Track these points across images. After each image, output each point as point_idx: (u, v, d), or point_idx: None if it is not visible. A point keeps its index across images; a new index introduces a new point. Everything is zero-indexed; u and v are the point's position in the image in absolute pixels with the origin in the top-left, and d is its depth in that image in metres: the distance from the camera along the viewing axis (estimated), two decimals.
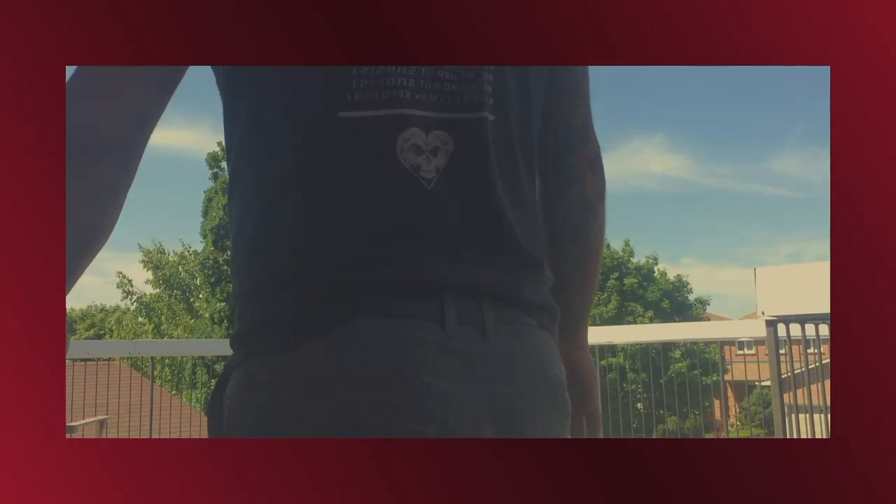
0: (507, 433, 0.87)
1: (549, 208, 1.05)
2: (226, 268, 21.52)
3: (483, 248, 0.84)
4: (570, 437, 1.05)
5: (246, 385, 0.83)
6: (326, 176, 0.82)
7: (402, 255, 0.80)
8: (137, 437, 7.85)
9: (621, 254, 26.44)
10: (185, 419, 11.32)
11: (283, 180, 0.84)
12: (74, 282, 0.88)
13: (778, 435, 3.26)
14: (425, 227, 0.81)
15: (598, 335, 8.45)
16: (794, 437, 3.31)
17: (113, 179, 0.84)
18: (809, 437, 3.17)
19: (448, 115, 0.86)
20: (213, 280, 21.37)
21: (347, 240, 0.80)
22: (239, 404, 0.85)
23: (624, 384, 22.50)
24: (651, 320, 23.57)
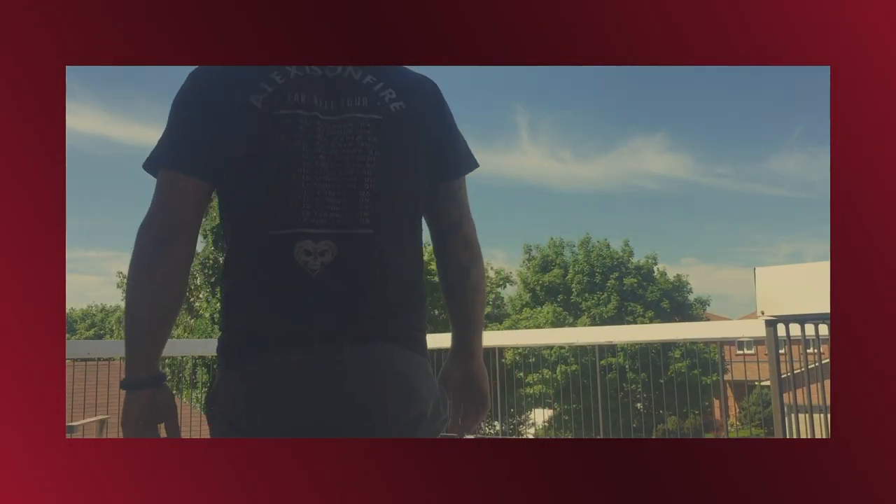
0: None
1: (439, 272, 1.64)
2: None
3: (346, 309, 1.40)
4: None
5: (226, 384, 1.44)
6: (259, 266, 1.41)
7: (294, 317, 1.38)
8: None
9: (621, 254, 26.45)
10: (186, 419, 11.33)
11: (240, 270, 1.45)
12: (165, 341, 1.48)
13: (778, 435, 3.26)
14: (311, 301, 1.38)
15: (598, 335, 8.45)
16: (794, 437, 3.31)
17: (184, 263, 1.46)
18: (809, 437, 3.17)
19: (334, 231, 1.39)
20: (213, 280, 21.37)
21: (270, 307, 1.39)
22: (224, 386, 1.44)
23: (624, 384, 22.51)
24: (651, 320, 23.58)
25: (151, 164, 1.44)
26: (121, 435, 1.59)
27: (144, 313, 1.40)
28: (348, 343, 1.38)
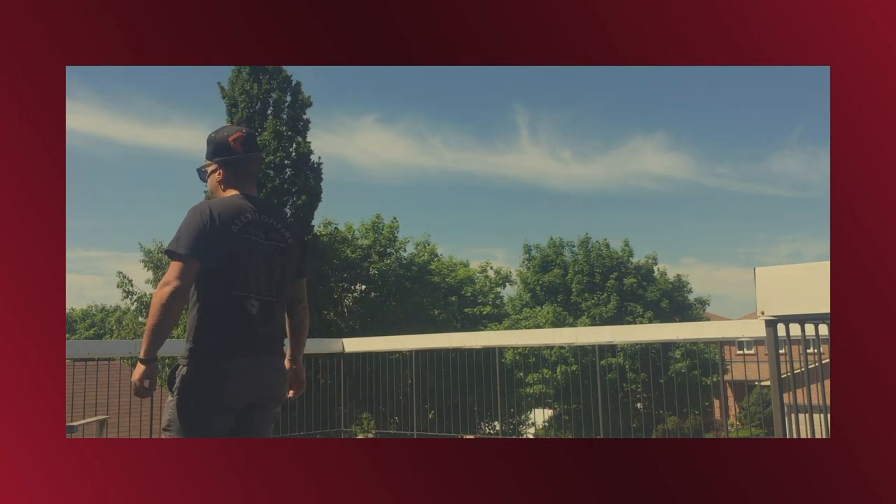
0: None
1: (289, 319, 3.16)
2: None
3: (269, 333, 2.90)
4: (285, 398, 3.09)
5: (196, 371, 2.74)
6: (224, 310, 2.79)
7: (241, 338, 2.81)
8: (137, 437, 7.85)
9: (620, 254, 26.43)
10: None
11: (212, 311, 2.79)
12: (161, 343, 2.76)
13: (777, 435, 3.26)
14: (250, 331, 2.83)
15: (598, 335, 8.44)
16: (794, 437, 3.31)
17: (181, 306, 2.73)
18: (809, 437, 3.17)
19: (262, 297, 2.85)
20: None
21: (229, 333, 2.79)
22: (188, 376, 2.72)
23: (624, 384, 22.49)
24: (650, 320, 23.55)
25: (173, 252, 2.69)
26: (131, 395, 2.89)
27: (164, 330, 2.68)
28: (266, 354, 2.90)
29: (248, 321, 2.75)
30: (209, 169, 2.98)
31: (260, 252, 2.80)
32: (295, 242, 2.97)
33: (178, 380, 2.68)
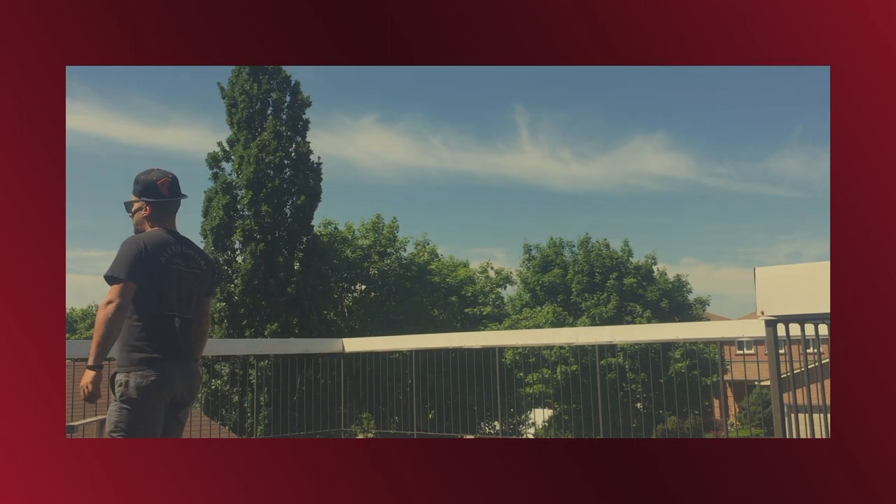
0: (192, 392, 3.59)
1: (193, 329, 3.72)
2: (226, 268, 21.52)
3: (188, 343, 3.54)
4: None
5: (139, 376, 3.29)
6: (158, 325, 3.43)
7: (171, 348, 3.42)
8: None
9: (620, 254, 26.41)
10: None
11: (146, 327, 3.38)
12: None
13: (777, 435, 3.26)
14: (176, 342, 3.45)
15: (598, 335, 8.44)
16: (794, 437, 3.31)
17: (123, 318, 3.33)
18: (809, 437, 3.17)
19: (183, 315, 3.50)
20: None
21: (161, 343, 3.39)
22: (134, 382, 3.26)
23: (624, 384, 22.47)
24: (649, 320, 23.53)
25: (115, 277, 3.22)
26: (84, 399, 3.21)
27: (111, 341, 3.18)
28: (188, 360, 3.48)
29: (175, 334, 3.38)
30: (136, 205, 3.56)
31: (182, 278, 3.44)
32: (207, 268, 3.67)
33: (122, 386, 3.23)
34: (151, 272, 3.28)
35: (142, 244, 3.31)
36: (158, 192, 3.46)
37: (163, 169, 3.56)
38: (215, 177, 21.96)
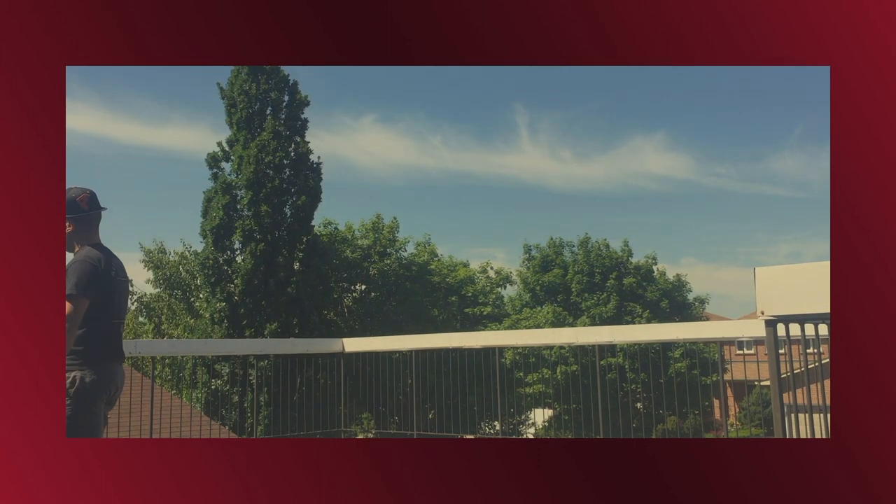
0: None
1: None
2: (226, 268, 21.51)
3: (120, 346, 3.90)
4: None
5: (93, 374, 3.64)
6: (105, 332, 3.76)
7: (115, 350, 3.83)
8: (137, 437, 7.83)
9: (620, 253, 26.40)
10: (185, 419, 11.31)
11: (97, 333, 3.71)
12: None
13: (777, 435, 3.26)
14: (118, 345, 3.86)
15: (597, 335, 8.44)
16: (794, 437, 3.31)
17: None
18: (809, 437, 3.17)
19: (121, 321, 3.91)
20: (213, 280, 21.32)
21: (106, 347, 3.77)
22: (90, 379, 3.61)
23: (624, 384, 22.48)
24: (649, 320, 23.53)
25: (72, 294, 3.40)
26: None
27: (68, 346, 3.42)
28: (124, 361, 3.89)
29: (118, 339, 3.79)
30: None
31: (123, 289, 3.82)
32: (127, 282, 4.15)
33: (78, 381, 3.55)
34: (105, 286, 3.60)
35: (95, 261, 3.59)
36: (79, 208, 3.62)
37: (80, 186, 3.73)
38: (215, 177, 21.95)
